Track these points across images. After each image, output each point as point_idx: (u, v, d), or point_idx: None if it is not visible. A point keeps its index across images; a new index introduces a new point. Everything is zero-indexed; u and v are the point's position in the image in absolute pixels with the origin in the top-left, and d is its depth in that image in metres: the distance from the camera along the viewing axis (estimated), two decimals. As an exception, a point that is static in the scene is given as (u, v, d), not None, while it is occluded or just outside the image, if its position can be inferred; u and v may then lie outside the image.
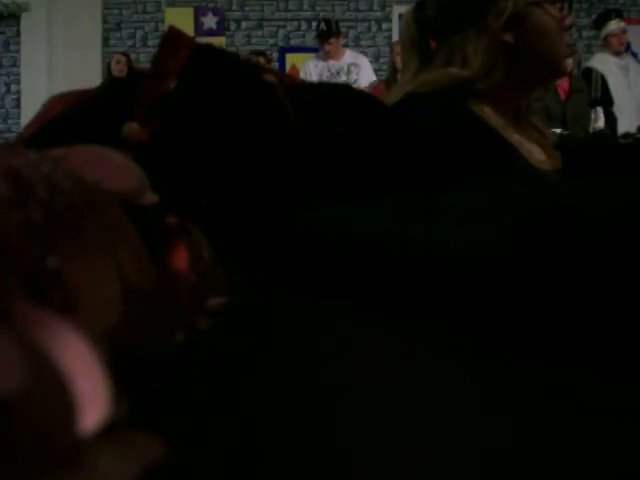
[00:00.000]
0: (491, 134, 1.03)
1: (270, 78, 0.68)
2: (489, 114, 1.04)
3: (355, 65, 5.04)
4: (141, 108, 0.63)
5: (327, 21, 5.09)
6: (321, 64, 5.03)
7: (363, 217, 0.50)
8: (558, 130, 3.19)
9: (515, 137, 1.05)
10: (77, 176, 0.25)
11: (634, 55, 5.59)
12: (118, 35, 6.58)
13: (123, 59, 5.40)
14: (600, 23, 4.74)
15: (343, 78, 4.89)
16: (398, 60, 4.50)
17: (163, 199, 0.32)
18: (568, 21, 1.06)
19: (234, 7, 6.59)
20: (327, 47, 4.99)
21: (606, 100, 4.33)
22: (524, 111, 1.12)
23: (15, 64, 6.50)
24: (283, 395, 0.28)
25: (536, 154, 1.07)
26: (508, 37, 1.03)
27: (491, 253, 0.39)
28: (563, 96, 4.24)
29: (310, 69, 4.97)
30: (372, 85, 4.58)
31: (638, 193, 0.39)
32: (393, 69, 4.56)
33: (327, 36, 4.95)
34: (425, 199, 0.52)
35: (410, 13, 1.12)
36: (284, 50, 6.53)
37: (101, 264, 0.24)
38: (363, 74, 5.00)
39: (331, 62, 5.01)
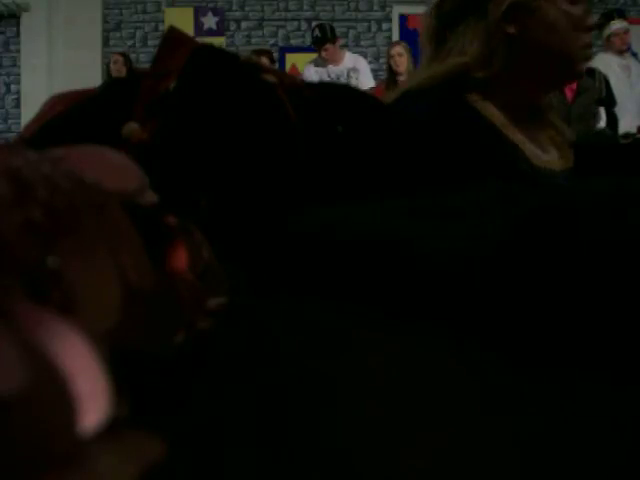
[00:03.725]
0: (491, 131, 1.00)
1: (270, 78, 0.68)
2: (491, 111, 1.01)
3: (355, 70, 5.02)
4: (141, 108, 0.63)
5: (321, 27, 5.06)
6: (321, 70, 5.01)
7: (364, 217, 0.50)
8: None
9: (519, 136, 1.02)
10: (77, 176, 0.25)
11: (634, 55, 5.59)
12: (118, 35, 6.58)
13: (120, 59, 5.40)
14: (602, 23, 4.74)
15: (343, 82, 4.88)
16: (394, 63, 4.50)
17: (163, 199, 0.32)
18: (588, 21, 1.01)
19: (234, 7, 6.59)
20: (323, 53, 4.98)
21: (609, 100, 4.33)
22: (543, 108, 1.08)
23: (15, 64, 6.50)
24: (283, 395, 0.28)
25: (543, 154, 1.03)
26: (511, 28, 1.00)
27: (491, 254, 0.39)
28: (570, 96, 4.23)
29: (311, 75, 4.95)
30: (371, 90, 4.57)
31: (638, 193, 0.39)
32: (390, 71, 4.55)
33: (322, 42, 4.94)
34: (427, 199, 0.52)
35: (432, 8, 1.09)
36: (284, 50, 6.53)
37: (101, 264, 0.24)
38: (363, 79, 4.99)
39: (331, 67, 5.00)
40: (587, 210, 0.38)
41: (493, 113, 1.01)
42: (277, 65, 6.19)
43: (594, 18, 1.05)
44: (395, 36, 6.24)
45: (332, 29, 5.07)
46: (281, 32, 6.59)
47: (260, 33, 6.59)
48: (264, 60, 4.89)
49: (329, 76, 4.97)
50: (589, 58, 1.06)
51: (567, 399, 0.29)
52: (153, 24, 6.56)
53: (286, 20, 6.56)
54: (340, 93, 0.80)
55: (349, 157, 0.69)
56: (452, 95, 1.00)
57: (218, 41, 6.05)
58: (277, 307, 0.43)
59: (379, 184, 0.67)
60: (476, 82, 1.01)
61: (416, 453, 0.23)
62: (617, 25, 4.63)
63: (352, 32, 6.48)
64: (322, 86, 0.93)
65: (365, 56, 5.69)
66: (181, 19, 6.24)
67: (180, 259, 0.31)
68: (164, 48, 0.68)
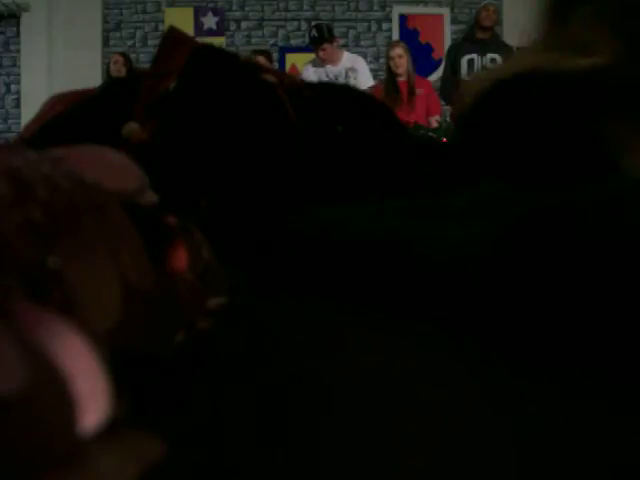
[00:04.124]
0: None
1: (270, 78, 0.68)
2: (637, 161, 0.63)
3: (353, 70, 5.01)
4: (141, 108, 0.63)
5: (318, 27, 5.04)
6: (319, 70, 5.00)
7: (364, 217, 0.50)
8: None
9: None
10: (77, 176, 0.25)
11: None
12: (118, 35, 6.58)
13: (120, 59, 5.39)
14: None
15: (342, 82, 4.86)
16: (394, 64, 4.49)
17: (163, 199, 0.32)
18: None
19: (234, 7, 6.59)
20: (321, 53, 4.96)
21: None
22: None
23: (15, 64, 6.49)
24: (283, 395, 0.28)
25: None
26: None
27: (491, 254, 0.39)
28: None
29: (309, 75, 4.94)
30: (371, 89, 4.56)
31: (638, 193, 0.39)
32: (389, 73, 4.54)
33: (319, 42, 4.92)
34: (427, 199, 0.52)
35: None
36: (284, 50, 6.53)
37: (101, 264, 0.24)
38: (361, 79, 4.97)
39: (329, 67, 4.99)
40: (586, 210, 0.38)
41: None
42: (277, 65, 6.19)
43: None
44: (395, 36, 6.23)
45: (329, 29, 5.05)
46: (281, 32, 6.58)
47: (260, 33, 6.59)
48: (261, 60, 4.88)
49: (327, 76, 4.95)
50: None
51: (567, 399, 0.29)
52: (153, 24, 6.55)
53: (286, 20, 6.56)
54: (340, 93, 0.80)
55: (349, 157, 0.69)
56: (579, 114, 0.65)
57: (218, 41, 6.05)
58: (277, 307, 0.43)
59: (378, 185, 0.67)
60: (616, 96, 0.65)
61: (416, 453, 0.23)
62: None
63: (352, 32, 6.48)
64: (322, 86, 0.93)
65: (365, 56, 5.68)
66: (181, 19, 6.24)
67: (180, 259, 0.31)
68: (164, 48, 0.68)
